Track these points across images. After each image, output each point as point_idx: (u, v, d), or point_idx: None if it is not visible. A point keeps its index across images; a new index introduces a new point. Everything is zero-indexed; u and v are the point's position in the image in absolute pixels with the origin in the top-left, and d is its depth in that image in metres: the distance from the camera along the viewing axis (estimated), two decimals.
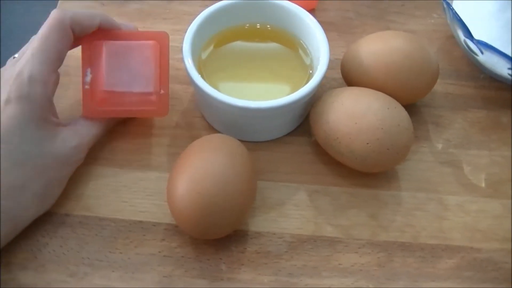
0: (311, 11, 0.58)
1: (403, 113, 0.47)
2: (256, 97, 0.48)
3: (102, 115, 0.48)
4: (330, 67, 0.49)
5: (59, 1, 0.61)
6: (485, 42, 0.50)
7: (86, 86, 0.47)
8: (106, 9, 0.51)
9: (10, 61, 0.47)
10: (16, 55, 0.47)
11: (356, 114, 0.45)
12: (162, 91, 0.48)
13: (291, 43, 0.54)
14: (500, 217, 0.48)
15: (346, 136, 0.45)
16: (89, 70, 0.47)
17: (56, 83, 0.47)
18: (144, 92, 0.48)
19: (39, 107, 0.43)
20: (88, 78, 0.47)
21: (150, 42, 0.48)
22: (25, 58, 0.44)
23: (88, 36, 0.47)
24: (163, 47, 0.48)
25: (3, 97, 0.43)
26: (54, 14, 0.45)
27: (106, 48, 0.48)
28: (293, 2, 0.53)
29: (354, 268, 0.45)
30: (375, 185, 0.49)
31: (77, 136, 0.46)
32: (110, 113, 0.49)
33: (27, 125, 0.43)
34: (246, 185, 0.43)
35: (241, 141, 0.46)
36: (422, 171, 0.51)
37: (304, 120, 0.53)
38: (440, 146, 0.52)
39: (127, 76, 0.48)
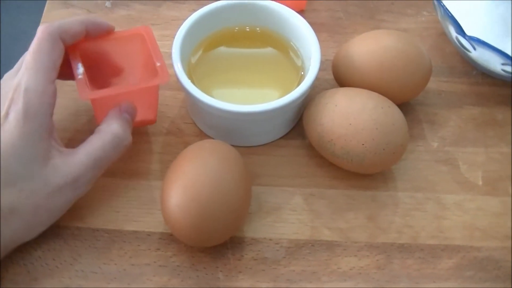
0: (301, 12, 0.57)
1: (398, 112, 0.46)
2: (248, 100, 0.47)
3: (100, 94, 0.46)
4: (321, 68, 0.49)
5: (44, 12, 0.60)
6: (477, 38, 0.49)
7: (80, 76, 0.46)
8: (94, 16, 0.51)
9: (6, 76, 0.46)
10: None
11: (350, 115, 0.45)
12: (158, 63, 0.46)
13: (282, 45, 0.53)
14: (500, 214, 0.48)
15: (341, 137, 0.45)
16: (79, 63, 0.46)
17: (54, 96, 0.44)
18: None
19: (37, 120, 0.42)
20: (80, 70, 0.46)
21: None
22: (21, 72, 0.43)
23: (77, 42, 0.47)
24: (149, 36, 0.48)
25: (2, 112, 0.42)
26: (41, 28, 0.44)
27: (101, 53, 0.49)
28: (282, 3, 0.52)
29: (353, 271, 0.45)
30: (372, 186, 0.49)
31: (68, 166, 0.43)
32: (108, 92, 0.46)
33: (22, 141, 0.41)
34: (241, 191, 0.42)
35: (234, 146, 0.45)
36: (418, 171, 0.50)
37: (297, 123, 0.52)
38: (435, 144, 0.52)
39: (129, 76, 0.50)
